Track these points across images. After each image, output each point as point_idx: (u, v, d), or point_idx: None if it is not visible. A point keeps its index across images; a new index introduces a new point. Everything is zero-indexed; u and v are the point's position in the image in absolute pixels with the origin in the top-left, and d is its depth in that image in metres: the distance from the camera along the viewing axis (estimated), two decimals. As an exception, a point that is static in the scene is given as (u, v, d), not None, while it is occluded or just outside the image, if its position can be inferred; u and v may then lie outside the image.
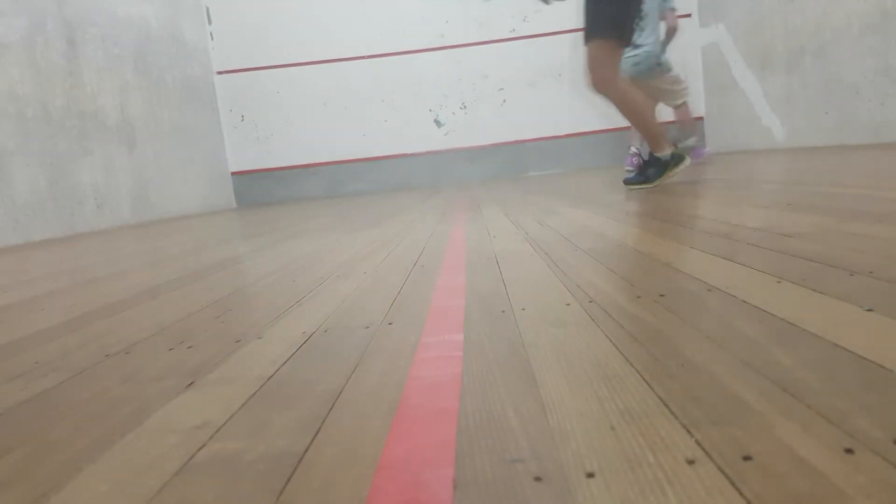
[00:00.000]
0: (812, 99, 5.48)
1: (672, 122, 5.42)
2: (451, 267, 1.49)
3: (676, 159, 3.15)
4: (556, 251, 1.52)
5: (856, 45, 4.85)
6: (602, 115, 7.82)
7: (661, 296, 0.97)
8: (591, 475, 0.47)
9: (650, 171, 3.18)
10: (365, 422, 0.62)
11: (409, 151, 7.97)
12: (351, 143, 7.87)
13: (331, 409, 0.66)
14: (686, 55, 7.67)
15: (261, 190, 7.96)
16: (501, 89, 7.89)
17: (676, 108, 5.24)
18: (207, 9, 7.78)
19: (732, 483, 0.43)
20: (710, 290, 0.97)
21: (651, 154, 3.20)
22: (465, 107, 7.93)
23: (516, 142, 7.93)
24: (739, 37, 6.62)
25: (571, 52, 7.68)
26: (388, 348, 0.87)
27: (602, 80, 3.05)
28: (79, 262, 2.72)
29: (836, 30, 5.05)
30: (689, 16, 7.62)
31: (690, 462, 0.47)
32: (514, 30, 7.80)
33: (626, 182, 3.31)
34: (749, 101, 6.56)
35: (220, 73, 7.80)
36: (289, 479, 0.52)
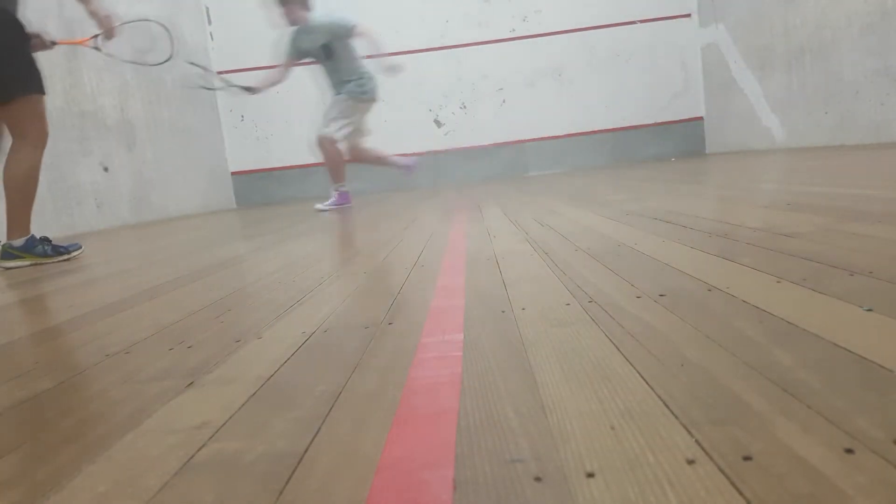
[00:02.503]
0: (812, 99, 5.48)
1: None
2: (451, 267, 1.49)
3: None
4: (555, 251, 1.52)
5: (856, 45, 4.85)
6: (602, 115, 7.82)
7: (661, 296, 0.97)
8: (591, 475, 0.47)
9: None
10: (365, 422, 0.62)
11: (409, 151, 7.96)
12: (351, 143, 7.86)
13: (331, 409, 0.66)
14: (686, 55, 7.67)
15: (261, 190, 7.95)
16: (501, 89, 7.89)
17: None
18: (207, 9, 7.77)
19: (732, 483, 0.43)
20: (710, 290, 0.97)
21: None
22: (465, 107, 7.92)
23: (516, 142, 7.93)
24: (739, 37, 6.62)
25: (571, 53, 7.68)
26: (388, 348, 0.87)
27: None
28: (78, 262, 2.72)
29: (835, 30, 5.05)
30: (688, 16, 7.63)
31: (690, 462, 0.47)
32: (513, 30, 7.79)
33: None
34: (749, 101, 6.56)
35: (220, 73, 7.79)
36: (289, 480, 0.52)
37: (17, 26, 2.70)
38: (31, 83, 2.72)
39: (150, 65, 3.92)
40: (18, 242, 2.71)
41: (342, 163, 4.69)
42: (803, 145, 5.66)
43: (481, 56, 7.82)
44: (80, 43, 3.30)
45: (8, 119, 2.70)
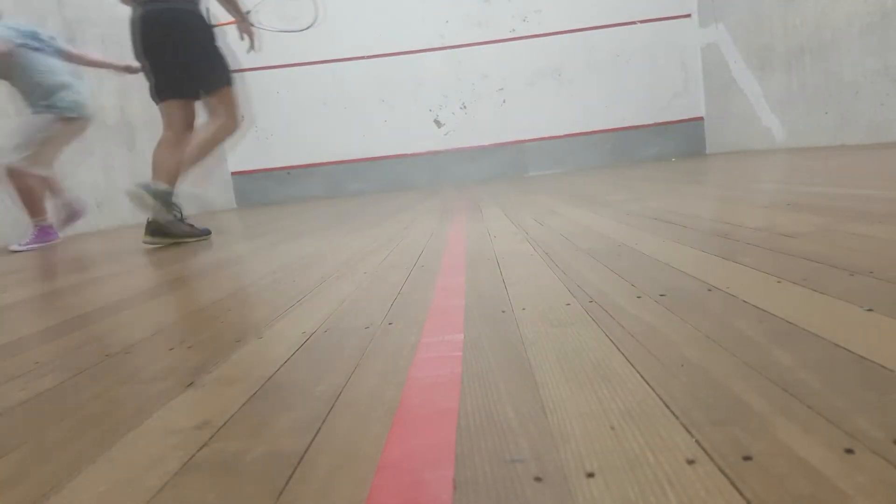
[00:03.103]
0: (812, 99, 5.48)
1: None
2: (452, 267, 1.49)
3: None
4: (556, 251, 1.52)
5: (856, 45, 4.85)
6: (602, 115, 7.83)
7: (661, 296, 0.97)
8: (591, 475, 0.47)
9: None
10: (365, 422, 0.62)
11: (409, 151, 7.97)
12: (351, 143, 7.87)
13: (331, 409, 0.66)
14: (686, 55, 7.67)
15: (261, 190, 7.95)
16: (501, 89, 7.89)
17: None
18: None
19: (732, 483, 0.43)
20: (710, 290, 0.97)
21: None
22: (465, 107, 7.92)
23: (516, 142, 7.93)
24: (739, 37, 6.62)
25: (571, 53, 7.68)
26: (388, 348, 0.87)
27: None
28: (78, 262, 2.72)
29: (835, 30, 5.05)
30: (688, 16, 7.63)
31: (690, 462, 0.47)
32: (513, 30, 7.79)
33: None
34: (749, 102, 6.56)
35: (220, 72, 7.78)
36: (289, 480, 0.52)
37: (209, 23, 3.15)
38: (230, 74, 3.30)
39: (299, 31, 4.07)
40: (160, 186, 3.03)
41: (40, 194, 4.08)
42: (803, 145, 5.66)
43: (481, 56, 7.82)
44: (232, 24, 3.57)
45: (213, 106, 3.33)
